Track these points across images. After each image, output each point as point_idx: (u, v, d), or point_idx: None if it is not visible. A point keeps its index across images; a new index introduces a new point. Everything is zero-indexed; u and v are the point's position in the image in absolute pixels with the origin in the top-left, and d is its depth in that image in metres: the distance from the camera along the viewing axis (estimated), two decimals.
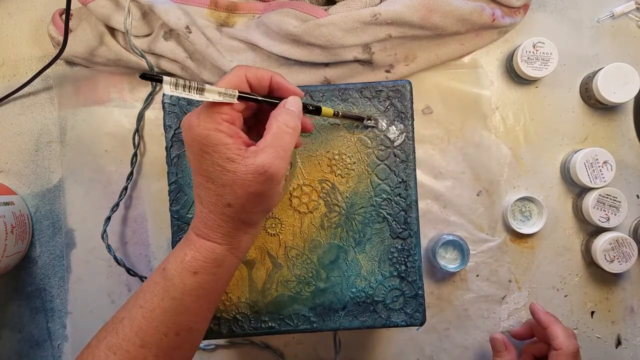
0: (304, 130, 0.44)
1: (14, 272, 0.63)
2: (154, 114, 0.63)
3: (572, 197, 0.63)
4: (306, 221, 0.50)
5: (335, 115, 0.47)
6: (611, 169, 0.59)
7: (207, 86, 0.37)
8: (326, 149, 0.51)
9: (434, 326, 0.63)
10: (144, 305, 0.40)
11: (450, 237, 0.60)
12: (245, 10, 0.60)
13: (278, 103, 0.41)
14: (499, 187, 0.63)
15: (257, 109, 0.43)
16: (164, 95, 0.51)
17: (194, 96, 0.37)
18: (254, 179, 0.38)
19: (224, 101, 0.38)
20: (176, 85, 0.36)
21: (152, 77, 0.36)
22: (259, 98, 0.41)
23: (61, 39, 0.59)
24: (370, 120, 0.50)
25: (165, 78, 0.36)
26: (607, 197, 0.59)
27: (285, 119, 0.39)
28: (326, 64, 0.59)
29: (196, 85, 0.37)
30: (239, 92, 0.39)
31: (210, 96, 0.37)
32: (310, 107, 0.44)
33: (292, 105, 0.41)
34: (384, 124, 0.51)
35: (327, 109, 0.46)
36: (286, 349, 0.63)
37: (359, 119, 0.50)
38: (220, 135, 0.38)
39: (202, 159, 0.39)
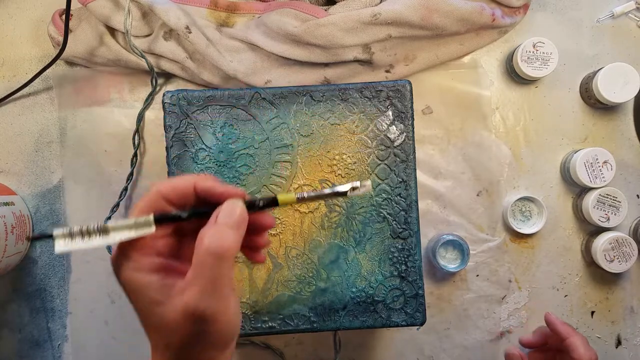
0: (265, 228, 0.36)
1: (14, 272, 0.63)
2: (154, 114, 0.63)
3: (572, 197, 0.63)
4: (306, 221, 0.50)
5: (301, 200, 0.35)
6: (611, 169, 0.59)
7: (111, 223, 0.31)
8: (326, 149, 0.51)
9: (434, 326, 0.63)
10: None
11: (450, 237, 0.60)
12: (245, 10, 0.60)
13: (209, 214, 0.33)
14: (499, 187, 0.63)
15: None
16: (164, 95, 0.51)
17: (97, 242, 0.31)
18: (184, 323, 0.31)
19: (138, 236, 0.32)
20: (71, 235, 0.31)
21: (41, 236, 0.31)
22: (183, 216, 0.33)
23: (61, 39, 0.59)
24: (357, 189, 0.35)
25: (55, 232, 0.31)
26: (607, 197, 0.59)
27: (212, 240, 0.31)
28: (326, 64, 0.59)
29: (97, 226, 0.31)
30: (156, 215, 0.32)
31: (117, 236, 0.31)
32: (262, 203, 0.34)
33: (225, 216, 0.32)
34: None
35: (286, 197, 0.35)
36: (286, 349, 0.63)
37: (334, 194, 0.36)
38: (139, 275, 0.32)
39: (131, 302, 0.33)
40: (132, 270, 0.32)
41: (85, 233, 0.31)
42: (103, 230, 0.31)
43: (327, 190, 0.35)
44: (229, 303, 0.32)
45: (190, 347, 0.32)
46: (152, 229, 0.32)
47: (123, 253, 0.32)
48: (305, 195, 0.35)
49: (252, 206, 0.34)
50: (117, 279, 0.33)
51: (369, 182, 0.36)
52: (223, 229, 0.32)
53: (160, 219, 0.32)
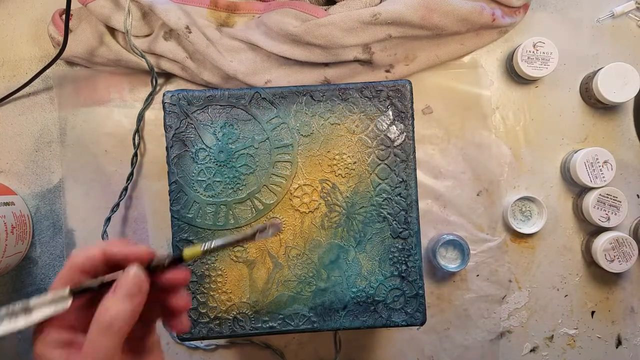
0: (179, 285, 0.36)
1: (14, 273, 0.63)
2: (154, 114, 0.63)
3: (572, 197, 0.63)
4: (307, 221, 0.50)
5: (207, 252, 0.36)
6: (611, 169, 0.59)
7: (33, 301, 0.32)
8: (327, 148, 0.51)
9: (434, 326, 0.63)
10: None
11: (451, 237, 0.60)
12: (246, 10, 0.60)
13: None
14: (499, 187, 0.63)
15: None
16: (164, 95, 0.51)
17: (22, 322, 0.32)
18: None
19: (54, 313, 0.33)
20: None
21: None
22: (94, 286, 0.34)
23: (61, 39, 0.59)
24: (265, 231, 0.36)
25: None
26: (607, 197, 0.59)
27: (99, 313, 0.32)
28: (326, 64, 0.59)
29: (21, 306, 0.32)
30: (72, 288, 0.33)
31: (38, 315, 0.32)
32: (167, 262, 0.35)
33: (120, 286, 0.33)
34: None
35: (192, 251, 0.36)
36: (286, 349, 0.63)
37: (240, 241, 0.37)
38: (47, 349, 0.32)
39: None
40: (42, 345, 0.33)
41: (10, 314, 0.32)
42: (26, 309, 0.32)
43: (232, 239, 0.36)
44: None
45: None
46: (68, 304, 0.33)
47: (38, 327, 0.33)
48: (212, 245, 0.36)
49: (157, 267, 0.34)
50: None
51: (277, 221, 0.39)
52: (111, 301, 0.32)
53: (75, 292, 0.33)
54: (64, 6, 0.58)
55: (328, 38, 0.56)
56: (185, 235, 0.50)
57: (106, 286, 0.34)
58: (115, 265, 0.35)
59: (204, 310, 0.50)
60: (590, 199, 0.59)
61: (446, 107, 0.63)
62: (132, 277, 0.33)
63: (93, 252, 0.34)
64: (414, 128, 0.51)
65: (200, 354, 0.63)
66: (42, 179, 0.63)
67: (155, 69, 0.61)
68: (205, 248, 0.35)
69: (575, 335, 0.63)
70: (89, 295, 0.34)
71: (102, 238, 0.60)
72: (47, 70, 0.61)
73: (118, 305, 0.32)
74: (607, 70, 0.58)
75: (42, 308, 0.32)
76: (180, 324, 0.37)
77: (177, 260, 0.35)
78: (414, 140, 0.51)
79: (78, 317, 0.34)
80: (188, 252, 0.35)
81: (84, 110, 0.63)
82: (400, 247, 0.50)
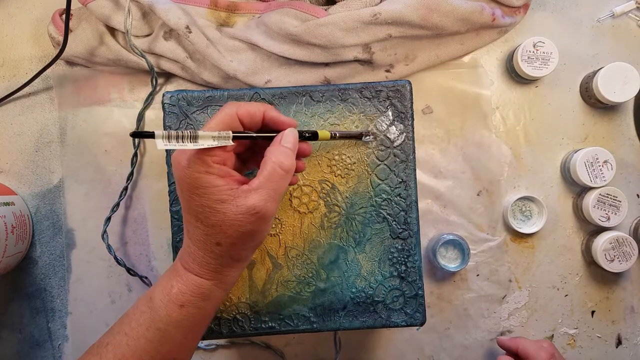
0: (303, 155, 0.45)
1: (15, 272, 0.63)
2: (154, 114, 0.63)
3: (572, 197, 0.63)
4: (306, 221, 0.50)
5: (333, 137, 0.47)
6: (611, 169, 0.59)
7: (201, 132, 0.37)
8: (326, 149, 0.51)
9: (434, 326, 0.63)
10: (129, 333, 0.40)
11: (451, 237, 0.60)
12: (246, 10, 0.60)
13: (274, 137, 0.41)
14: (499, 187, 0.63)
15: (251, 142, 0.43)
16: (163, 95, 0.51)
17: (189, 145, 0.36)
18: (245, 220, 0.38)
19: (220, 145, 0.38)
20: (169, 137, 0.35)
21: (144, 134, 0.35)
22: (254, 135, 0.40)
23: (61, 39, 0.59)
24: (369, 135, 0.50)
25: (157, 133, 0.35)
26: (607, 197, 0.59)
27: (280, 158, 0.39)
28: (326, 64, 0.59)
29: (189, 133, 0.36)
30: (234, 132, 0.39)
31: (205, 143, 0.37)
32: (307, 134, 0.44)
33: (287, 140, 0.40)
34: (385, 131, 0.51)
35: (324, 133, 0.46)
36: (286, 349, 0.63)
37: (357, 136, 0.50)
38: (211, 177, 0.38)
39: (191, 200, 0.39)
40: (204, 174, 0.38)
41: (180, 137, 0.36)
42: (194, 137, 0.36)
43: (346, 133, 0.49)
44: (276, 211, 0.40)
45: (239, 245, 0.39)
46: (230, 142, 0.38)
47: (199, 157, 0.38)
48: (337, 134, 0.48)
49: (300, 134, 0.43)
50: (183, 177, 0.38)
51: (375, 131, 0.51)
52: (287, 151, 0.40)
53: (236, 136, 0.39)
54: (64, 6, 0.58)
55: (328, 38, 0.56)
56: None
57: (258, 139, 0.41)
58: (264, 126, 0.42)
59: None
60: (590, 199, 0.59)
61: (446, 107, 0.63)
62: (296, 137, 0.41)
63: (255, 109, 0.41)
64: (413, 128, 0.51)
65: (200, 354, 0.63)
66: (42, 179, 0.63)
67: (155, 69, 0.61)
68: (333, 134, 0.47)
69: (575, 335, 0.63)
70: (239, 141, 0.40)
71: (102, 238, 0.60)
72: (47, 70, 0.61)
73: (291, 156, 0.40)
74: (607, 70, 0.58)
75: (208, 139, 0.37)
76: (294, 178, 0.46)
77: (312, 136, 0.45)
78: (413, 140, 0.51)
79: (229, 158, 0.40)
80: (321, 133, 0.45)
81: (84, 110, 0.63)
82: (399, 247, 0.50)
